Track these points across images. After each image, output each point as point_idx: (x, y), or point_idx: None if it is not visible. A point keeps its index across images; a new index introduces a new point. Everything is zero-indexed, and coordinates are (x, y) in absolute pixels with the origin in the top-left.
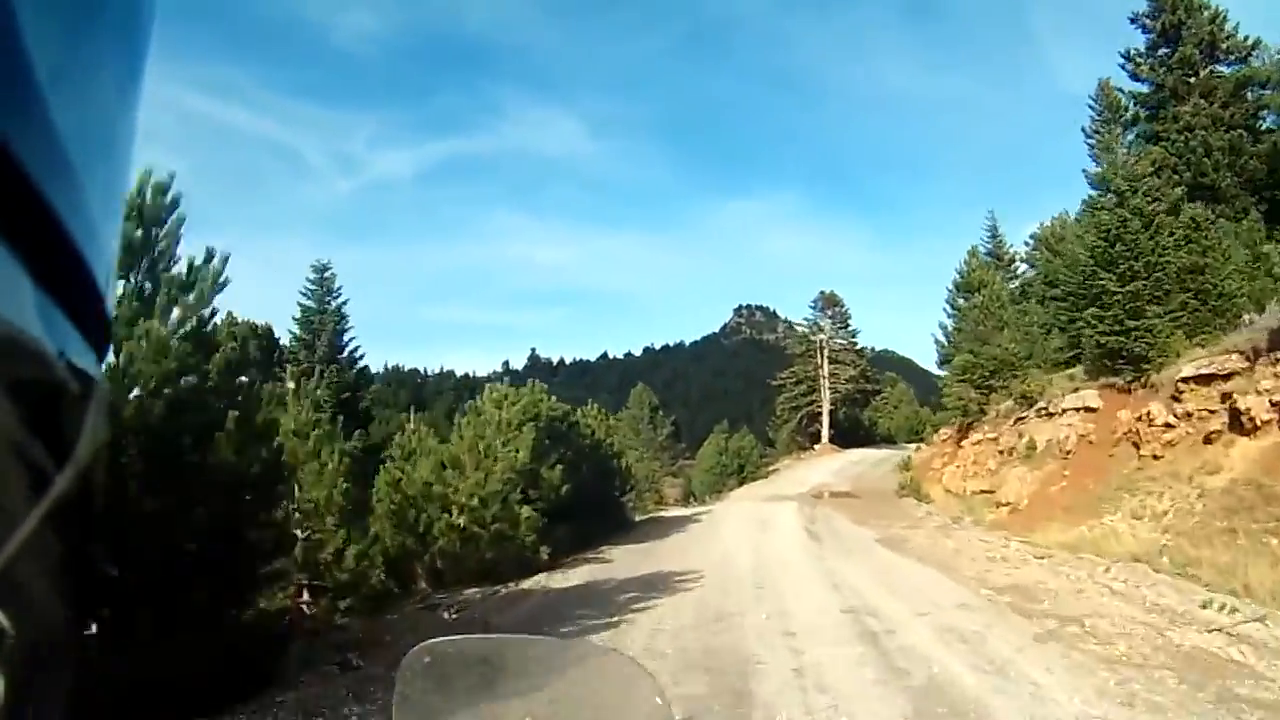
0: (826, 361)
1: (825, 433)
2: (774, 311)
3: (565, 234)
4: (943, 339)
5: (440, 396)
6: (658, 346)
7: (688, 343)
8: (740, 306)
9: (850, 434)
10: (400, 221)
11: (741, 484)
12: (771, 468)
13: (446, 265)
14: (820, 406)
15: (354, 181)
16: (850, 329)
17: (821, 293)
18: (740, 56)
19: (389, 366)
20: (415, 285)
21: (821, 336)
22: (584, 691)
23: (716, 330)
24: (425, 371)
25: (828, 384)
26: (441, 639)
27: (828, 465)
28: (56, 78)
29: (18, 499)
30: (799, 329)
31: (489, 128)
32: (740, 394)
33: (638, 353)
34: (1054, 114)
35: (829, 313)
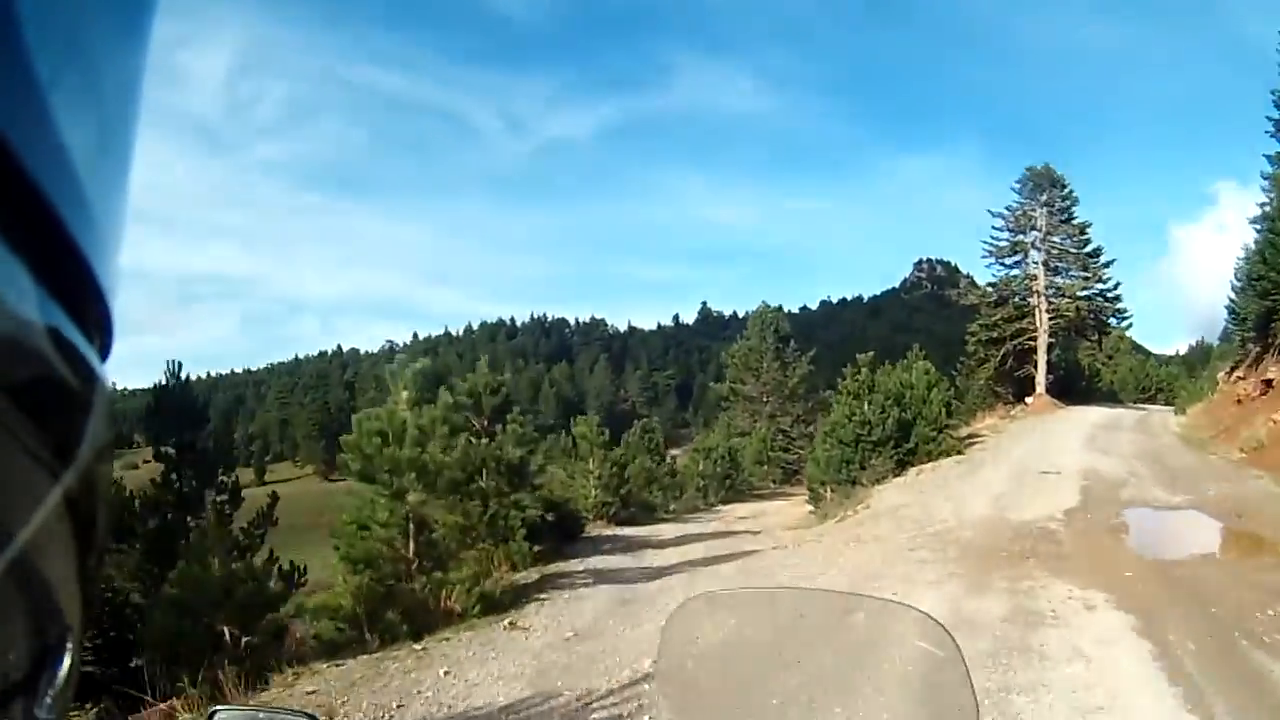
0: (1043, 270)
1: (1041, 380)
2: (955, 266)
3: (741, 191)
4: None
5: None
6: (834, 300)
7: (865, 297)
8: (920, 261)
9: (1066, 386)
10: (575, 183)
11: (902, 467)
12: (966, 434)
13: (622, 224)
14: (1035, 339)
15: (528, 144)
16: (1076, 221)
17: (1030, 170)
18: (919, 9)
19: (580, 321)
20: (590, 243)
21: (1034, 234)
22: (874, 649)
23: (895, 285)
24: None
25: (1045, 306)
26: (713, 591)
27: (1072, 433)
28: (56, 77)
29: (20, 500)
30: (1002, 218)
31: (663, 87)
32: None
33: (814, 307)
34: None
35: (1043, 197)
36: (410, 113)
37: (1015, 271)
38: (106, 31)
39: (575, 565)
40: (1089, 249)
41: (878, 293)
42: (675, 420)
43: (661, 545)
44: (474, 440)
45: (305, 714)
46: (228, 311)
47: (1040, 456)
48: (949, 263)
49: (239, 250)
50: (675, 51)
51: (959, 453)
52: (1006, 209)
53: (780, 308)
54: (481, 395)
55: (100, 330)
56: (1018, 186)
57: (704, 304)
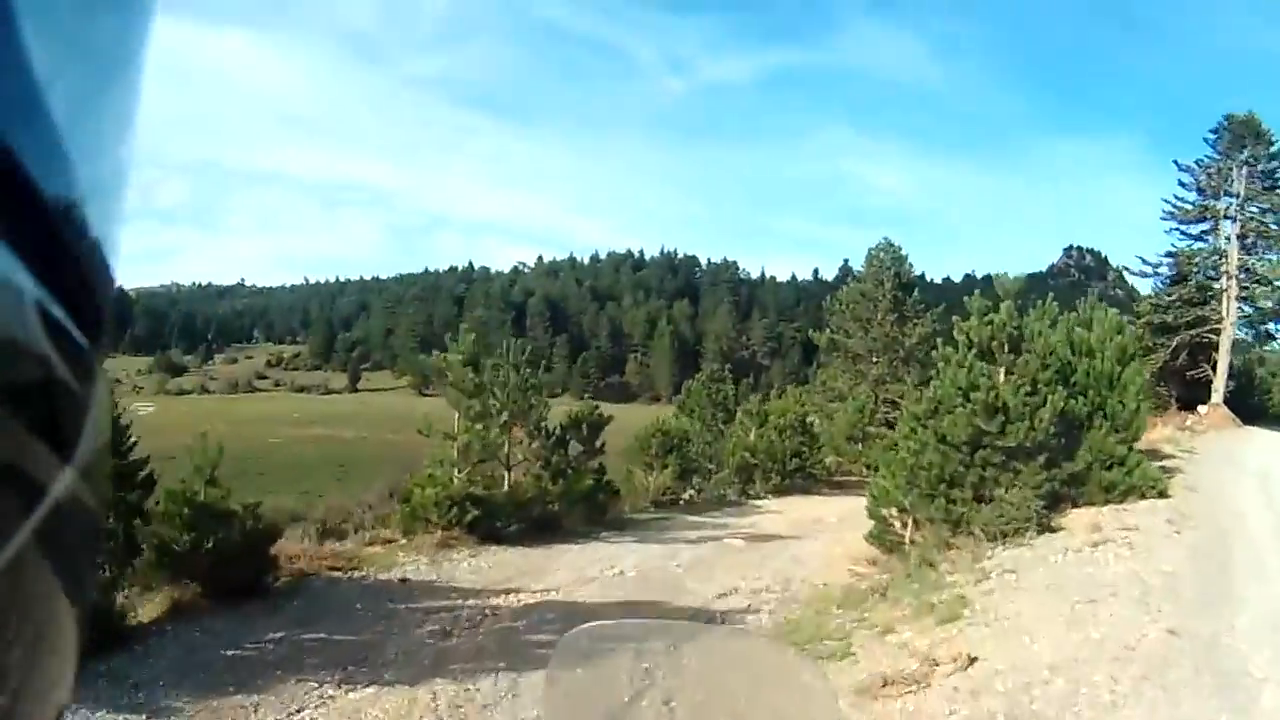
0: (1236, 246)
1: (1220, 385)
2: (1105, 257)
3: (893, 156)
4: None
5: None
6: (977, 275)
7: (1010, 275)
8: (1070, 248)
9: (1241, 399)
10: (731, 128)
11: (1052, 508)
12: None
13: (772, 173)
14: (1218, 331)
15: (685, 85)
16: None
17: (1228, 119)
18: None
19: (710, 261)
20: (741, 188)
21: (1228, 199)
22: (743, 682)
23: (1044, 269)
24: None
25: (1235, 292)
26: (597, 623)
27: None
28: (56, 77)
29: (18, 500)
30: (1190, 172)
31: (827, 42)
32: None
33: (957, 279)
34: None
35: (1243, 154)
36: (569, 42)
37: (1201, 244)
38: (106, 31)
39: None
40: None
41: (1022, 274)
42: (798, 376)
43: None
44: None
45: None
46: (371, 220)
47: None
48: (1099, 253)
49: (387, 161)
50: (842, 6)
51: (1159, 492)
52: (1196, 162)
53: (902, 251)
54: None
55: (99, 329)
56: (1212, 138)
57: (845, 261)
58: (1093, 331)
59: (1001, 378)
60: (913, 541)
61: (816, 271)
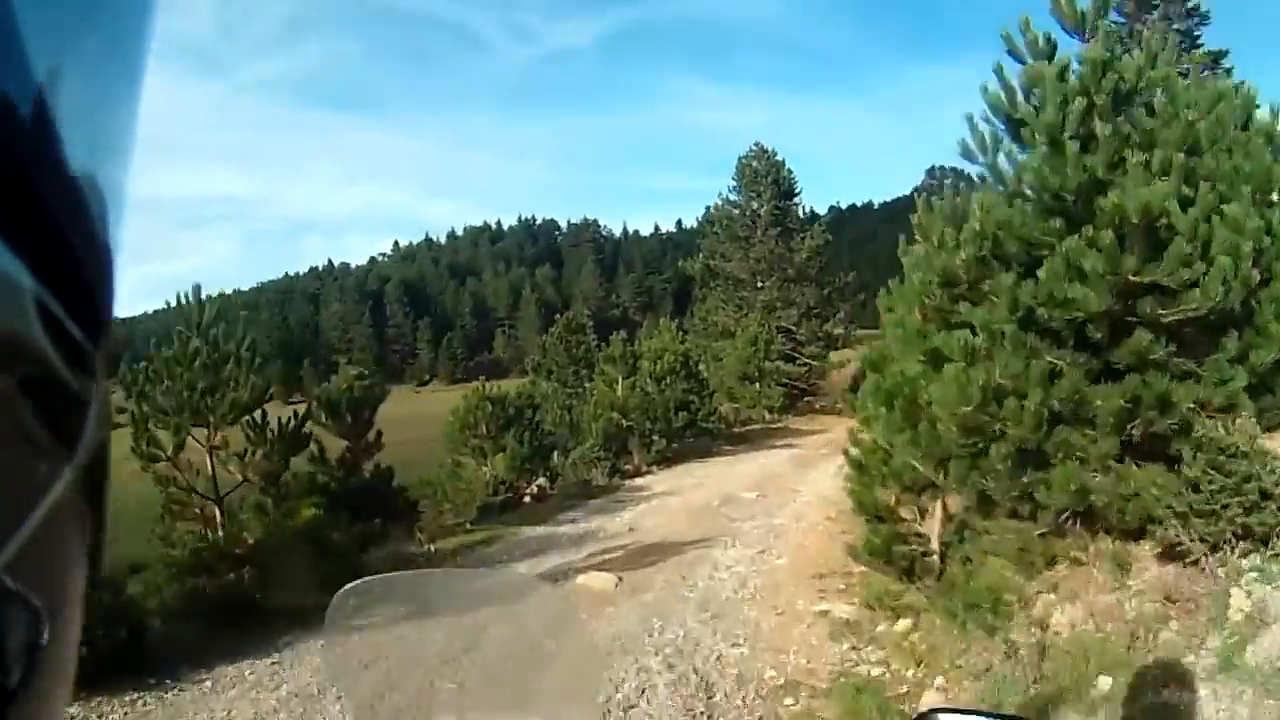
0: None
1: None
2: (969, 175)
3: (746, 98)
4: None
5: None
6: (844, 206)
7: (877, 203)
8: (933, 167)
9: None
10: (582, 91)
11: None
12: None
13: (625, 133)
14: None
15: (530, 53)
16: None
17: None
18: None
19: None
20: (597, 151)
21: None
22: (513, 622)
23: (907, 192)
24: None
25: None
26: (368, 579)
27: None
28: (56, 76)
29: (19, 501)
30: None
31: None
32: None
33: (823, 213)
34: None
35: (1153, 14)
36: (410, 25)
37: None
38: (107, 30)
39: None
40: None
41: (888, 199)
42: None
43: None
44: None
45: None
46: (233, 232)
47: None
48: (962, 170)
49: (241, 171)
50: None
51: None
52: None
53: (778, 157)
54: None
55: (99, 329)
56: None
57: (708, 209)
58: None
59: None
60: (964, 560)
61: (680, 222)
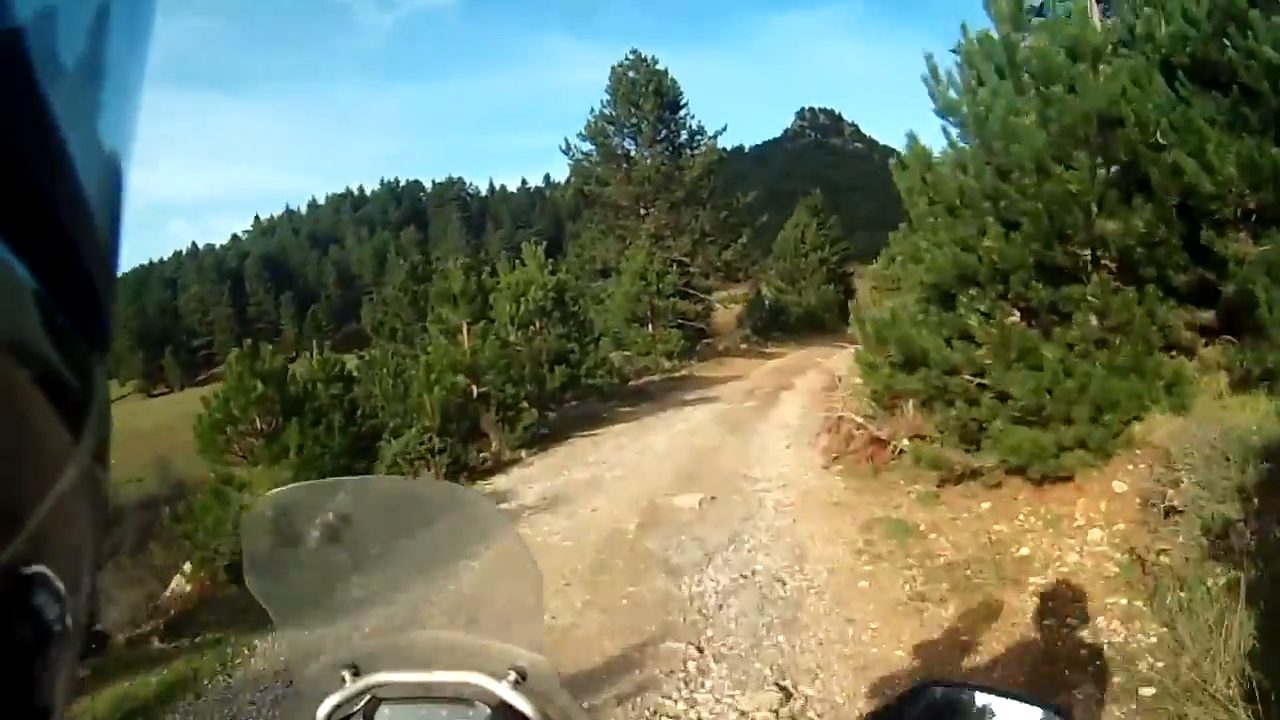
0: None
1: None
2: (839, 115)
3: (614, 56)
4: None
5: None
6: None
7: (747, 147)
8: (803, 109)
9: None
10: (447, 55)
11: None
12: None
13: (493, 92)
14: None
15: (394, 16)
16: None
17: None
18: None
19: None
20: (463, 114)
21: None
22: (438, 530)
23: (778, 135)
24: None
25: None
26: (284, 488)
27: None
28: (56, 76)
29: (19, 501)
30: None
31: None
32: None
33: None
34: None
35: None
36: None
37: None
38: (106, 30)
39: None
40: None
41: (758, 142)
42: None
43: None
44: None
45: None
46: None
47: None
48: (832, 111)
49: None
50: None
51: None
52: None
53: (659, 65)
54: None
55: (99, 329)
56: None
57: (577, 161)
58: None
59: None
60: None
61: (548, 176)
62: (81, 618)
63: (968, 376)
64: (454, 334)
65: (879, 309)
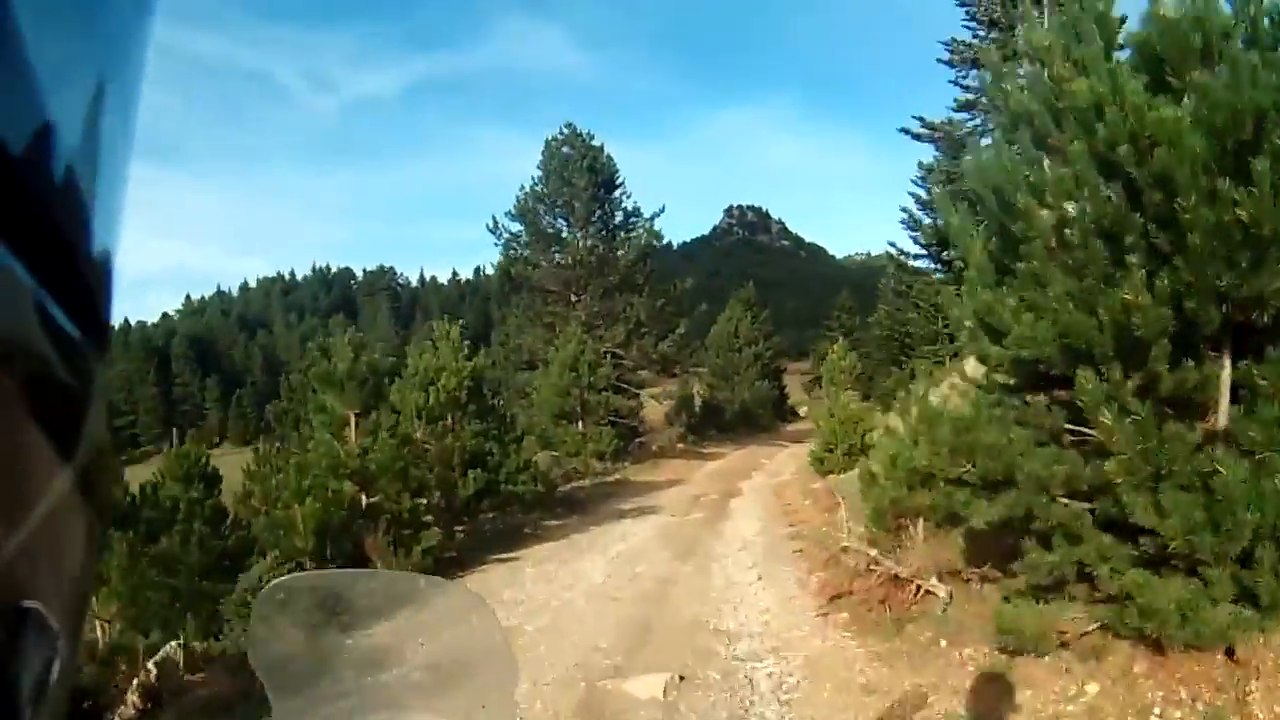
0: None
1: None
2: (766, 212)
3: None
4: None
5: None
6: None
7: (675, 244)
8: (731, 206)
9: None
10: (386, 141)
11: None
12: None
13: (428, 181)
14: None
15: (335, 102)
16: None
17: None
18: None
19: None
20: (398, 202)
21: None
22: (427, 624)
23: (706, 233)
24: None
25: None
26: (294, 575)
27: None
28: (56, 77)
29: (18, 501)
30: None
31: (472, 45)
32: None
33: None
34: None
35: None
36: (214, 76)
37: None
38: (106, 31)
39: None
40: None
41: (687, 239)
42: None
43: None
44: None
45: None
46: None
47: None
48: (759, 208)
49: None
50: (488, 3)
51: None
52: None
53: (594, 140)
54: None
55: (98, 329)
56: None
57: (507, 211)
58: None
59: None
60: None
61: (479, 269)
62: (82, 608)
63: (1063, 498)
64: (340, 428)
65: (938, 401)
